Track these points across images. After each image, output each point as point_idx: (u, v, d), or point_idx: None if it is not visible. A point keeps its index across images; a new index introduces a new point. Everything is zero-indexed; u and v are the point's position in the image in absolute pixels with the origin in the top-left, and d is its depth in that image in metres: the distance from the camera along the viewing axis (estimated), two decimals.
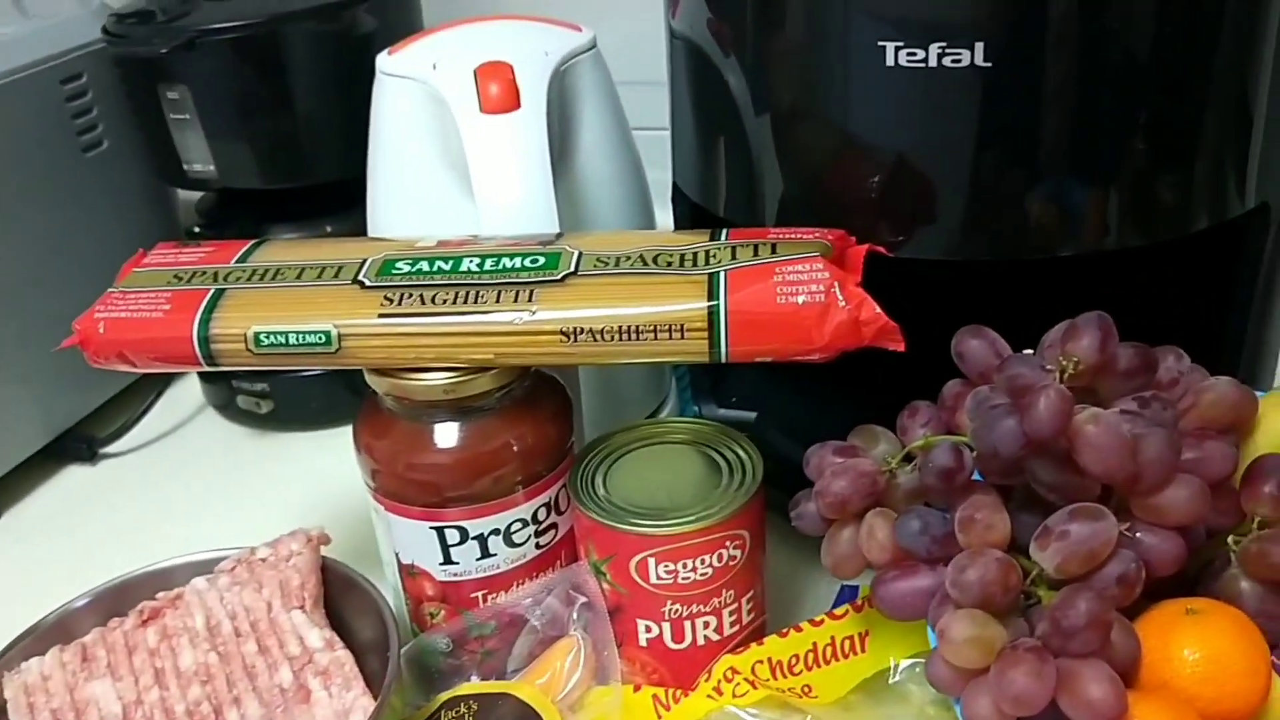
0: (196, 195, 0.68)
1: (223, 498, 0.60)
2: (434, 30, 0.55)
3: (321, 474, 0.61)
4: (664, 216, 0.56)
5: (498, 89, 0.48)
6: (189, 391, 0.69)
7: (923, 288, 0.49)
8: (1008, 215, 0.44)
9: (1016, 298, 0.45)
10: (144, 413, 0.65)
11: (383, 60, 0.53)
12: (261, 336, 0.40)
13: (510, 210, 0.47)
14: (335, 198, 0.62)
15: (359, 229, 0.56)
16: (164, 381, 0.68)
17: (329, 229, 0.64)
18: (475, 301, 0.39)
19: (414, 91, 0.51)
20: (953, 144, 0.42)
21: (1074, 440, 0.34)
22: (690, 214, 0.52)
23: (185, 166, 0.61)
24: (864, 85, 0.42)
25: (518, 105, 0.48)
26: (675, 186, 0.54)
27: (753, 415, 0.57)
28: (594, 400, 0.53)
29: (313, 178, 0.62)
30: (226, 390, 0.65)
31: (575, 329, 0.38)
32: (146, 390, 0.67)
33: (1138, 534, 0.35)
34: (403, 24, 0.65)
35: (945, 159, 0.43)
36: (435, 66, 0.51)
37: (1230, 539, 0.37)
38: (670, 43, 0.50)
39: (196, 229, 0.64)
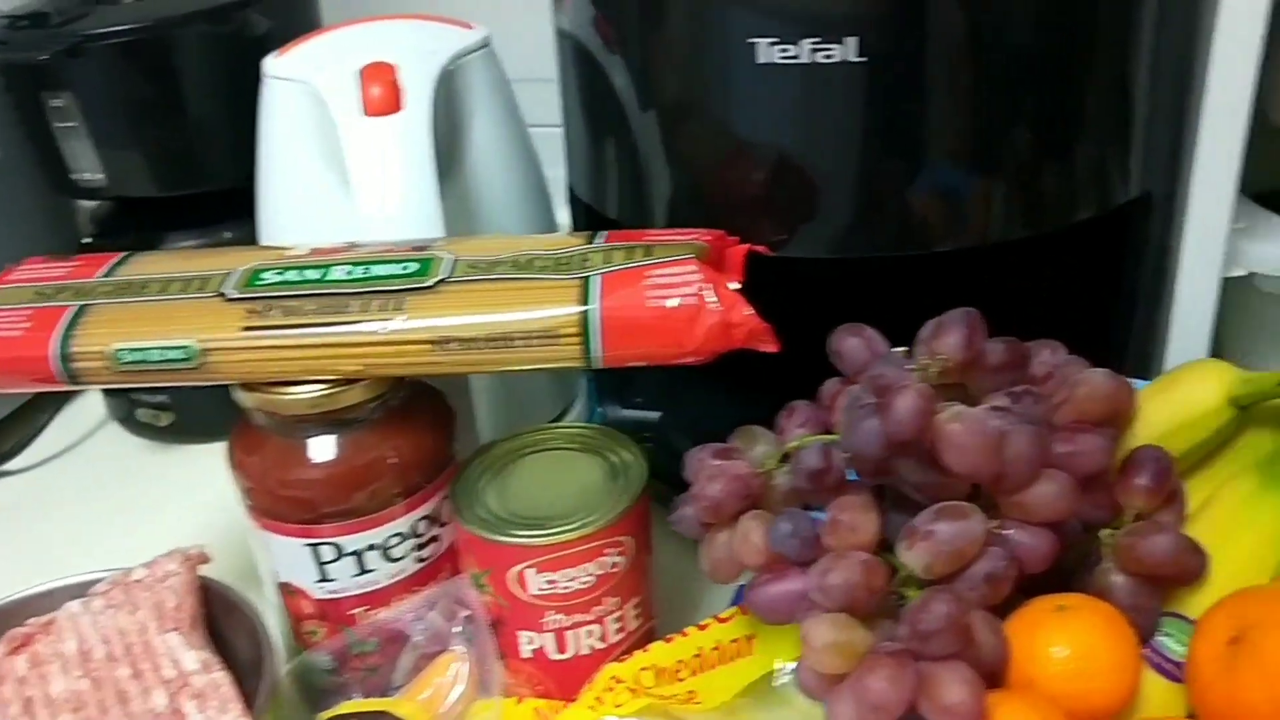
0: (95, 204, 0.67)
1: (124, 514, 0.59)
2: (323, 31, 0.54)
3: (222, 488, 0.59)
4: (566, 216, 0.55)
5: (379, 90, 0.47)
6: (90, 405, 0.67)
7: (817, 285, 0.49)
8: (890, 211, 0.43)
9: (908, 293, 0.45)
10: (43, 428, 0.63)
11: (269, 63, 0.52)
12: (123, 353, 0.39)
13: (392, 215, 0.46)
14: (234, 203, 0.60)
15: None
16: (64, 395, 0.67)
17: (228, 235, 0.62)
18: (342, 312, 0.38)
19: (299, 94, 0.50)
20: (831, 140, 0.42)
21: (936, 439, 0.34)
22: (586, 216, 0.52)
23: (74, 176, 0.60)
24: (738, 82, 0.41)
25: (399, 107, 0.47)
26: (571, 188, 0.53)
27: (656, 415, 0.57)
28: (495, 405, 0.53)
29: (208, 184, 0.60)
30: (127, 403, 0.63)
31: (445, 337, 0.37)
32: (46, 405, 0.65)
33: (1008, 531, 0.35)
34: (299, 25, 0.63)
35: (824, 155, 0.42)
36: (319, 68, 0.50)
37: (1104, 532, 0.37)
38: (558, 41, 0.49)
39: (90, 239, 0.63)
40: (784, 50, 0.39)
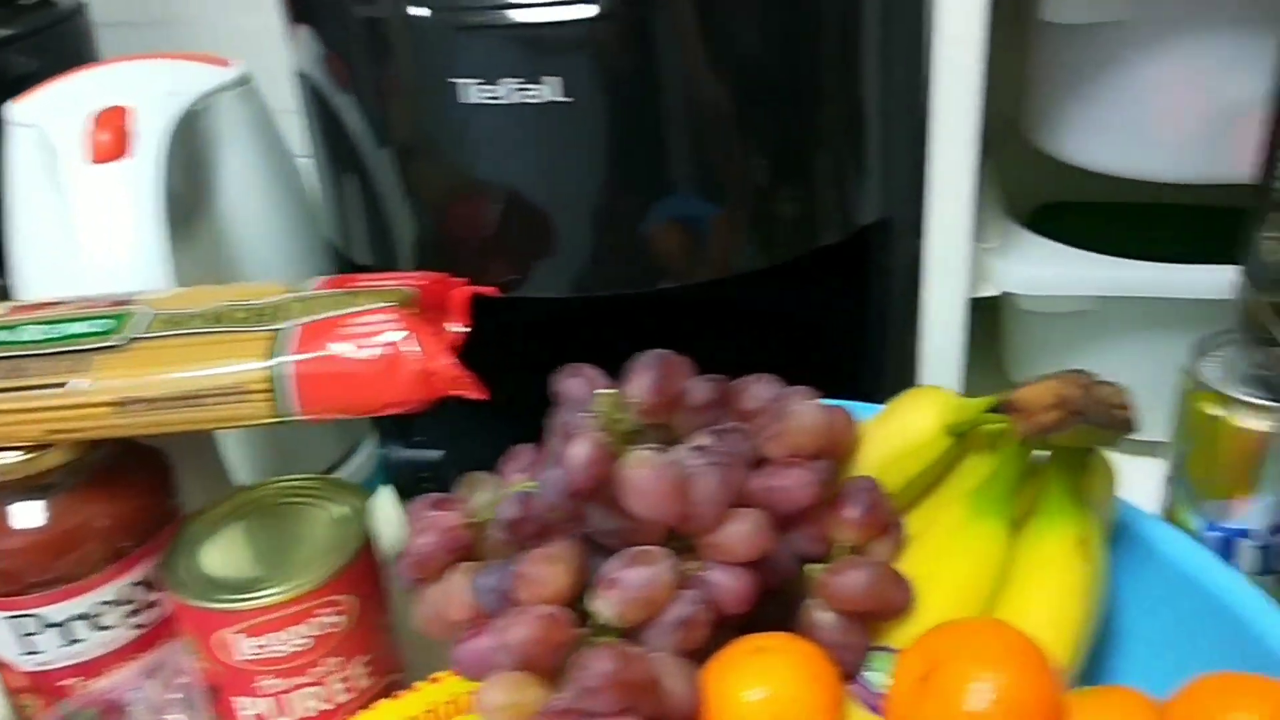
0: None
1: None
2: (69, 73, 0.52)
3: None
4: None
5: (107, 136, 0.45)
6: None
7: (581, 323, 0.48)
8: (623, 248, 0.43)
9: (666, 328, 0.45)
10: None
11: (9, 107, 0.50)
12: None
13: (119, 266, 0.44)
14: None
15: None
16: None
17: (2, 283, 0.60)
18: (23, 375, 0.36)
19: (33, 140, 0.48)
20: (552, 179, 0.41)
21: (619, 486, 0.33)
22: (344, 263, 0.50)
23: None
24: (451, 123, 0.40)
25: (127, 153, 0.45)
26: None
27: (439, 454, 0.56)
28: (255, 452, 0.51)
29: None
30: None
31: (127, 399, 0.36)
32: None
33: (705, 573, 0.35)
34: (73, 62, 0.61)
35: (549, 195, 0.42)
36: (54, 113, 0.48)
37: (810, 568, 0.37)
38: (299, 82, 0.48)
39: None
40: (487, 91, 0.39)
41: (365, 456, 0.58)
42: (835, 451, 0.39)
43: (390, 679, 0.42)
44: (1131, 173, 0.47)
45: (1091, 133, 0.47)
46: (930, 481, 0.40)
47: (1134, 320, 0.49)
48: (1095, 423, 0.34)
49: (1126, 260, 0.47)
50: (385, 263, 0.46)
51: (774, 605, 0.37)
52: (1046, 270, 0.48)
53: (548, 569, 0.34)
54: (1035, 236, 0.49)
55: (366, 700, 0.40)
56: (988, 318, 0.56)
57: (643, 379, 0.35)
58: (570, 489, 0.32)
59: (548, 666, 0.33)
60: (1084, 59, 0.46)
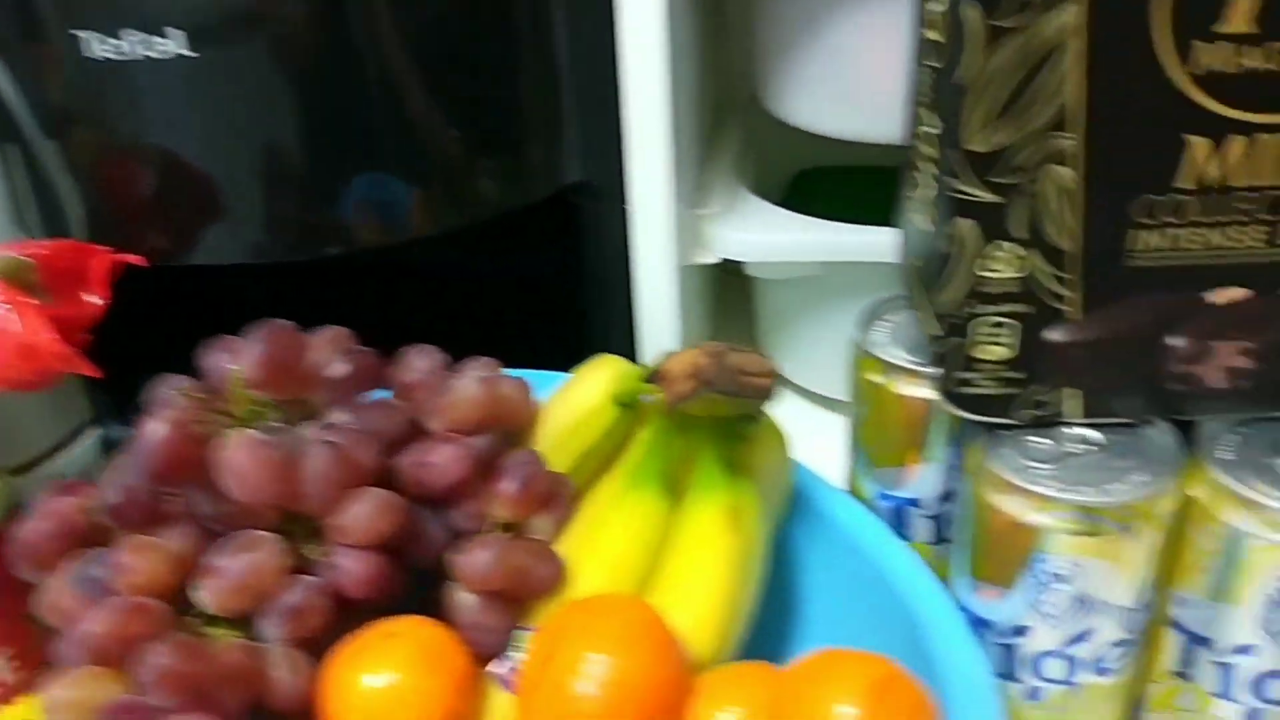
0: None
1: None
2: None
3: None
4: None
5: None
6: None
7: (294, 293, 0.46)
8: (295, 213, 0.41)
9: (347, 297, 0.43)
10: None
11: None
12: None
13: None
14: None
15: None
16: None
17: None
18: None
19: None
20: (202, 141, 0.39)
21: (216, 468, 0.31)
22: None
23: None
24: (81, 80, 0.37)
25: None
26: None
27: None
28: None
29: None
30: None
31: None
32: None
33: (331, 557, 0.33)
34: None
35: (203, 158, 0.39)
36: None
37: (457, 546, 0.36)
38: None
39: None
40: (110, 45, 0.36)
41: (95, 438, 0.55)
42: (502, 424, 0.37)
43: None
44: (842, 134, 0.46)
45: (805, 94, 0.46)
46: (609, 453, 0.39)
47: (862, 285, 0.48)
48: (725, 392, 0.33)
49: (844, 225, 0.46)
50: (57, 236, 0.43)
51: (436, 587, 0.36)
52: (763, 236, 0.46)
53: (139, 557, 0.31)
54: (759, 202, 0.48)
55: (13, 694, 0.38)
56: (741, 283, 0.56)
57: (249, 353, 0.33)
58: (147, 471, 0.30)
59: (130, 661, 0.31)
60: (792, 18, 0.44)
